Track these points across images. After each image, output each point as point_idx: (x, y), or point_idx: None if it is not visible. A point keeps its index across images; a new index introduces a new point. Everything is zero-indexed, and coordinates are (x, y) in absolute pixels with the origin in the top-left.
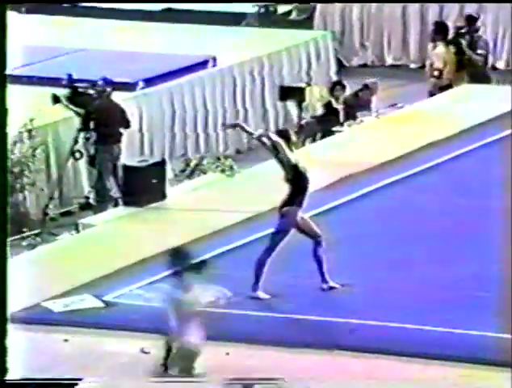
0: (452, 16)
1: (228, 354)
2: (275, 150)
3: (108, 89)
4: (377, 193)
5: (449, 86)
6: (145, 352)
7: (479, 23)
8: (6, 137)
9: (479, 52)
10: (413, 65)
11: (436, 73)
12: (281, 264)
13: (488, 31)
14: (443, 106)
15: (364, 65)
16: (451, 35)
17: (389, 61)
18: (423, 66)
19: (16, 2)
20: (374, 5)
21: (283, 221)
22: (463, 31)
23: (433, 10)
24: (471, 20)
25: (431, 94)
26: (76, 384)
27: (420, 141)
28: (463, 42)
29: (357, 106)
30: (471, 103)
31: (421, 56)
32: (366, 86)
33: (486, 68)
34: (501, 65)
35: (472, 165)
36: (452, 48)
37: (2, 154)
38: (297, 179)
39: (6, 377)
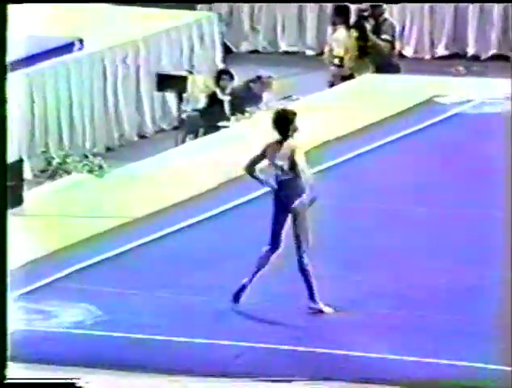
0: None
1: (88, 383)
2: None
3: None
4: (268, 197)
5: (351, 76)
6: None
7: (384, 6)
8: (5, 133)
9: (384, 37)
10: (310, 52)
11: (336, 60)
12: None
13: (395, 14)
14: (344, 98)
15: (255, 52)
16: (353, 18)
17: (283, 46)
18: (322, 53)
19: (16, 2)
20: None
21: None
22: (366, 13)
23: None
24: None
25: (331, 85)
26: (76, 384)
27: (317, 138)
28: (368, 26)
29: (246, 98)
30: (375, 95)
31: (319, 42)
32: (259, 78)
33: (393, 55)
34: (409, 51)
35: (375, 165)
36: (355, 33)
37: (2, 150)
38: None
39: (6, 378)
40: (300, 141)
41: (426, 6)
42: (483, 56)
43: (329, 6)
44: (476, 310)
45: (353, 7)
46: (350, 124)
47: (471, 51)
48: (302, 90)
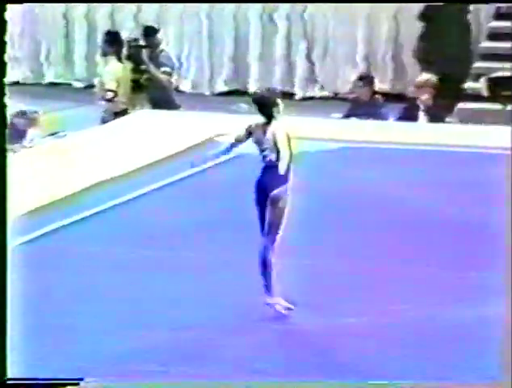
0: (127, 26)
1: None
2: None
3: None
4: (34, 244)
5: (125, 111)
6: None
7: (160, 36)
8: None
9: (164, 70)
10: (78, 84)
11: (108, 95)
12: None
13: (172, 45)
14: (117, 136)
15: (16, 83)
16: (125, 48)
17: (49, 78)
18: (92, 86)
19: (16, 2)
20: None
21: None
22: (141, 43)
23: (102, 18)
24: (149, 32)
25: (104, 121)
26: (76, 384)
27: (88, 179)
28: (144, 57)
29: (8, 135)
30: (152, 133)
31: (89, 74)
32: (22, 114)
33: (172, 89)
34: (186, 86)
35: (151, 208)
36: (128, 65)
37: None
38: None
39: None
40: (282, 125)
41: (205, 36)
42: None
43: (99, 32)
44: None
45: (125, 36)
46: (124, 165)
47: (252, 87)
48: (71, 126)
